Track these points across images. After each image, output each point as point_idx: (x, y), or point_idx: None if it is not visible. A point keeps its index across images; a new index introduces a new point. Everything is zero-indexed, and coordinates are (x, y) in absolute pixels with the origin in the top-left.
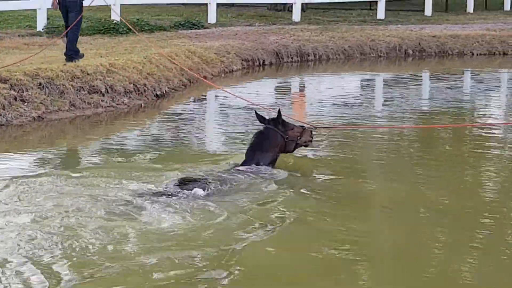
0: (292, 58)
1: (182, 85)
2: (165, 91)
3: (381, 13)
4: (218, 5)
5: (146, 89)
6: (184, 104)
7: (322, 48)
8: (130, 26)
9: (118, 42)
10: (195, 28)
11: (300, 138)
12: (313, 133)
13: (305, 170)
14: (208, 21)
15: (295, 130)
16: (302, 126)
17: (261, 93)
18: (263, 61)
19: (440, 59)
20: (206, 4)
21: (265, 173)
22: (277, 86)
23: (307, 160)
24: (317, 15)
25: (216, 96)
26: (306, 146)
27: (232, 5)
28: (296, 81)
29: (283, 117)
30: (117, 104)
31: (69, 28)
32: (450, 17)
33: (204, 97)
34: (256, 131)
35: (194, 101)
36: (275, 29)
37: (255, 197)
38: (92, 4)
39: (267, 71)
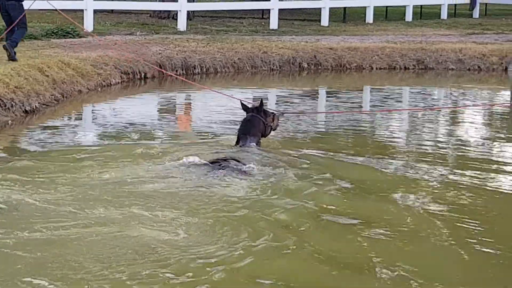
0: (177, 70)
1: (55, 100)
2: (35, 106)
3: (274, 23)
4: (96, 11)
5: (13, 104)
6: (57, 120)
7: (209, 60)
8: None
9: None
10: (70, 37)
11: (273, 123)
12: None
13: None
14: (84, 29)
15: (271, 117)
16: (273, 113)
17: (141, 109)
18: (145, 74)
19: (337, 73)
20: (82, 10)
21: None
22: (160, 102)
23: None
24: (205, 24)
25: (93, 112)
26: (274, 129)
27: (111, 11)
28: (181, 96)
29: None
30: None
31: (10, 27)
32: (348, 28)
33: (80, 113)
34: (244, 118)
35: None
36: (158, 39)
37: None
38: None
39: (149, 85)
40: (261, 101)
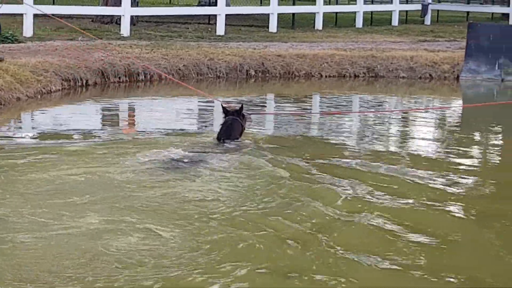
0: (119, 78)
1: None
2: None
3: (220, 29)
4: (36, 16)
5: None
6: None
7: (153, 66)
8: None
9: None
10: (8, 42)
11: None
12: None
13: None
14: (24, 35)
15: (246, 119)
16: (247, 115)
17: (82, 117)
18: (87, 81)
19: (285, 81)
20: (22, 15)
21: None
22: (103, 109)
23: None
24: (149, 29)
25: (32, 119)
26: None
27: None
28: (124, 104)
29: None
30: None
31: None
32: (296, 34)
33: (19, 121)
34: (225, 120)
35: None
36: (100, 45)
37: None
38: None
39: (91, 92)
40: (242, 105)
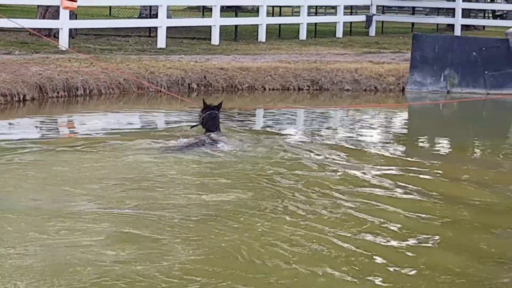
0: (58, 92)
1: None
2: None
3: (161, 41)
4: None
5: None
6: None
7: (93, 81)
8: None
9: None
10: None
11: None
12: None
13: None
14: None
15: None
16: None
17: (20, 132)
18: (24, 96)
19: (228, 94)
20: None
21: None
22: (42, 124)
23: None
24: (88, 43)
25: None
26: None
27: None
28: (64, 120)
29: None
30: None
31: None
32: (239, 47)
33: None
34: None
35: None
36: (38, 59)
37: None
38: None
39: (28, 108)
40: (222, 101)
